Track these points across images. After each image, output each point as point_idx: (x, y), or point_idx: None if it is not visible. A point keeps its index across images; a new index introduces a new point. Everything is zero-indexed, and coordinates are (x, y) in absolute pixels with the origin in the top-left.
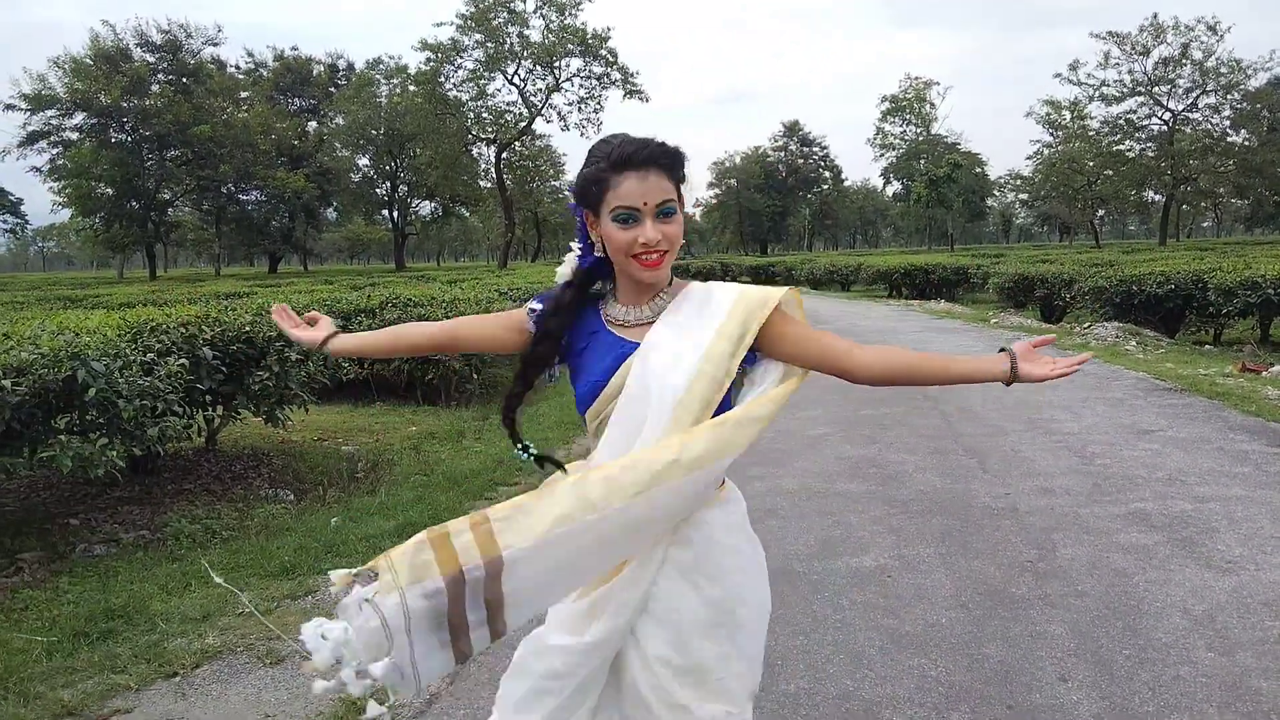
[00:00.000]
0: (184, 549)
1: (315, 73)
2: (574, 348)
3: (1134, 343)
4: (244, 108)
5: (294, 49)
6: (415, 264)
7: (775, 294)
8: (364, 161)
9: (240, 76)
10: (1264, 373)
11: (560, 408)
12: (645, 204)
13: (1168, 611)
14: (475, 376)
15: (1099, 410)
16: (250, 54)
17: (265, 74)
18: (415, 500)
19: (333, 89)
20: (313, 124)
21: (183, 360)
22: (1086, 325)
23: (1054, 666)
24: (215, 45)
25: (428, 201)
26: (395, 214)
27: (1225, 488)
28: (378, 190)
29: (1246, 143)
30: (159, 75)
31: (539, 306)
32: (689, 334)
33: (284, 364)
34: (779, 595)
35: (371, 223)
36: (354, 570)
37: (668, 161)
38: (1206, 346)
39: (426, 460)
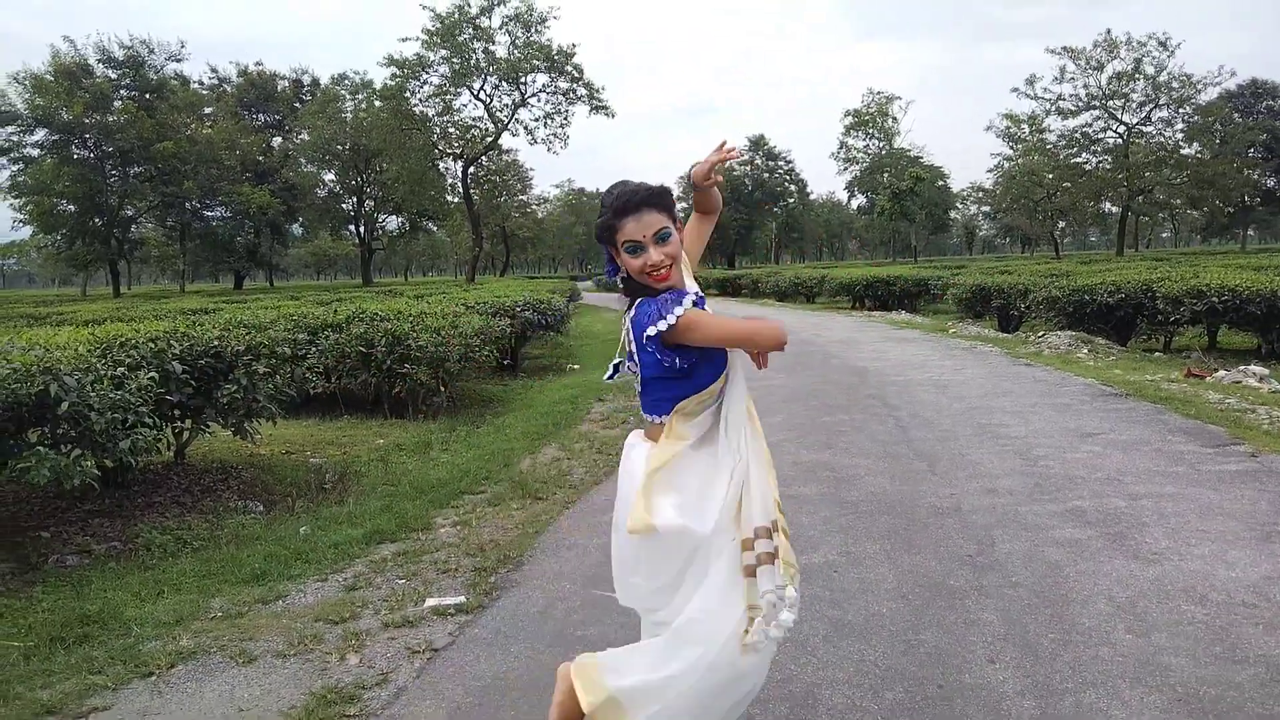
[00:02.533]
0: (155, 559)
1: (280, 88)
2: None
3: (1085, 350)
4: (208, 124)
5: (258, 64)
6: (382, 279)
7: None
8: (330, 177)
9: (204, 92)
10: (1208, 378)
11: (525, 420)
12: (644, 236)
13: (1094, 599)
14: (443, 390)
15: (1046, 415)
16: (214, 69)
17: (229, 89)
18: (383, 509)
19: (298, 104)
20: (278, 139)
21: (152, 374)
22: (1041, 334)
23: (984, 650)
24: (179, 61)
25: (394, 216)
26: (362, 229)
27: (1159, 486)
28: (344, 205)
29: (1199, 155)
30: (121, 91)
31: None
32: None
33: (251, 378)
34: None
35: (338, 238)
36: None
37: (655, 200)
38: (1156, 354)
39: (394, 471)
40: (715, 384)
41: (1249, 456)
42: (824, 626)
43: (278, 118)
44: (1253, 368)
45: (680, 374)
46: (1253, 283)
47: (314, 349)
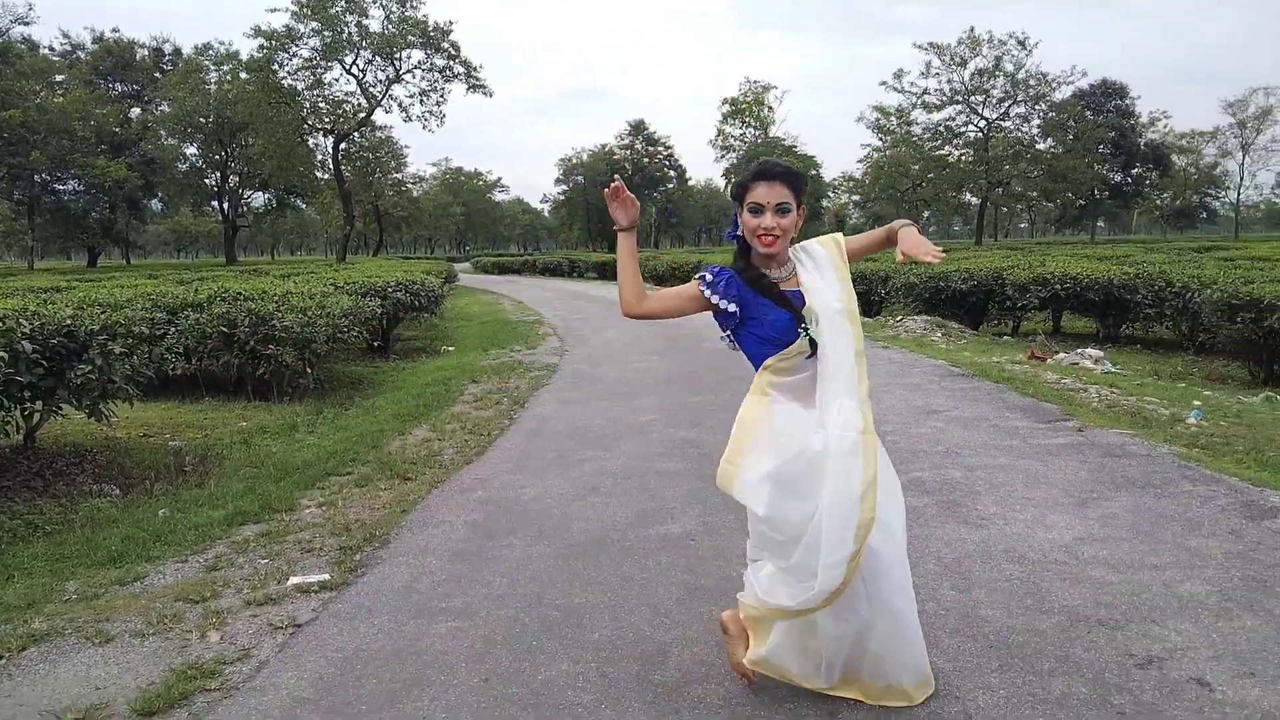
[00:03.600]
0: (4, 544)
1: (139, 57)
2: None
3: (939, 334)
4: (59, 92)
5: (115, 31)
6: (248, 258)
7: (836, 235)
8: (192, 150)
9: (55, 59)
10: (1049, 360)
11: (396, 402)
12: (768, 202)
13: (924, 560)
14: (310, 371)
15: (897, 394)
16: (66, 35)
17: (83, 57)
18: (245, 491)
19: (158, 74)
20: (136, 111)
21: (0, 354)
22: (899, 318)
23: None
24: (26, 24)
25: (261, 192)
26: (225, 205)
27: (993, 458)
28: (207, 180)
29: (1052, 150)
30: None
31: (710, 276)
32: (821, 274)
33: (107, 358)
34: (594, 562)
35: (200, 214)
36: None
37: (789, 178)
38: (1006, 337)
39: (257, 453)
40: (793, 344)
41: (1076, 431)
42: (678, 590)
43: (136, 88)
44: (1089, 350)
45: (741, 334)
46: (1092, 271)
47: (173, 329)
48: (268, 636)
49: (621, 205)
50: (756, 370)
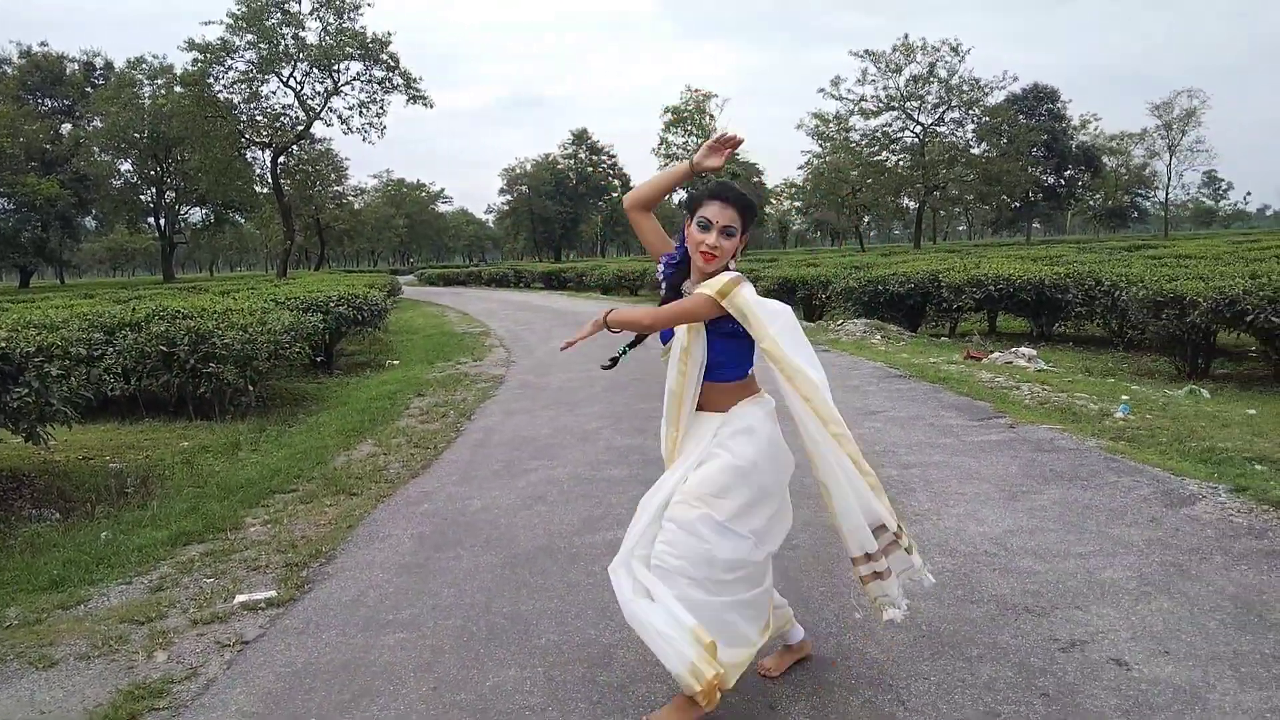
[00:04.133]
0: None
1: (69, 71)
2: None
3: (879, 336)
4: None
5: (43, 44)
6: (186, 275)
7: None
8: (126, 166)
9: None
10: (984, 359)
11: (340, 417)
12: (717, 221)
13: None
14: (251, 389)
15: (837, 396)
16: None
17: (10, 71)
18: (189, 511)
19: (89, 89)
20: (67, 126)
21: None
22: (840, 322)
23: None
24: None
25: (198, 208)
26: (162, 221)
27: (928, 456)
28: (142, 196)
29: (987, 154)
30: None
31: (669, 260)
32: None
33: (43, 380)
34: (541, 569)
35: (136, 231)
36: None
37: (742, 205)
38: (943, 338)
39: (200, 473)
40: (669, 343)
41: (1008, 428)
42: None
43: (67, 103)
44: (1023, 349)
45: None
46: (1024, 272)
47: (111, 349)
48: (215, 654)
49: (710, 153)
50: None
